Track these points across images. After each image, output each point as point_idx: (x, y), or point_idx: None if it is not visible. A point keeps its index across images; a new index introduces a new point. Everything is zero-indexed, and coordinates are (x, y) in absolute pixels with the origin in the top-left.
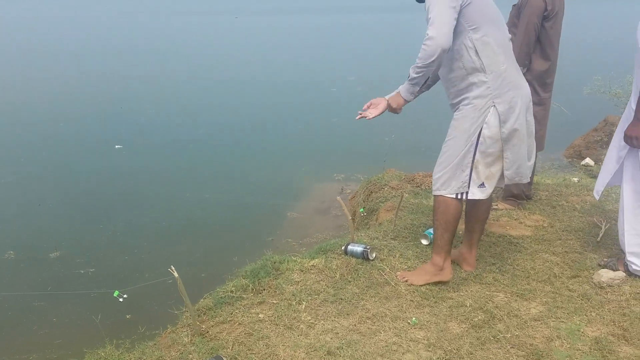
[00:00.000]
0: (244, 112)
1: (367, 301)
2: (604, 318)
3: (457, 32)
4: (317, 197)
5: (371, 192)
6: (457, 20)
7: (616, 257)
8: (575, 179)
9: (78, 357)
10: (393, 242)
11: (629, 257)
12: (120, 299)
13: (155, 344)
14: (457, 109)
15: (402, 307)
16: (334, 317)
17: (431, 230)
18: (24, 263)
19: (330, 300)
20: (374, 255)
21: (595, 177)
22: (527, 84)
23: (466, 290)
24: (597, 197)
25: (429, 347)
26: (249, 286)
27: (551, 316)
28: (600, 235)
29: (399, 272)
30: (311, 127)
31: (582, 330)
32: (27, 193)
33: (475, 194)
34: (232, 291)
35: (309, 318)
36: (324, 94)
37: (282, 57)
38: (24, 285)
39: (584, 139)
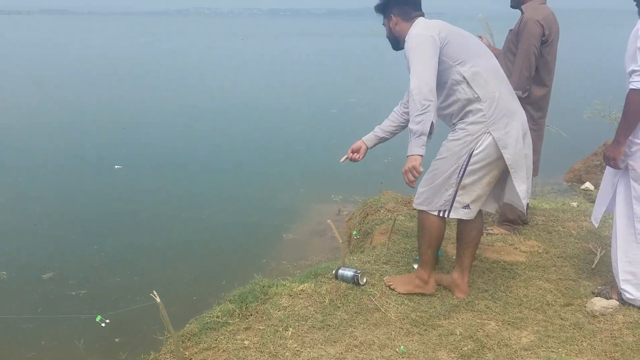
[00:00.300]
0: (244, 133)
1: (356, 328)
2: (595, 348)
3: (444, 70)
4: (314, 218)
5: (367, 214)
6: (440, 59)
7: (610, 285)
8: (575, 204)
9: None
10: (385, 266)
11: (623, 285)
12: (103, 324)
13: None
14: (452, 130)
15: (390, 334)
16: (321, 345)
17: None
18: (16, 283)
19: (318, 326)
20: (364, 280)
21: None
22: (522, 108)
23: (457, 318)
24: (596, 225)
25: None
26: (235, 311)
27: (542, 346)
28: (595, 262)
29: (386, 277)
30: (310, 149)
31: None
32: (24, 212)
33: (459, 213)
34: (218, 316)
35: (295, 345)
36: (324, 116)
37: (284, 79)
38: (15, 306)
39: (583, 163)
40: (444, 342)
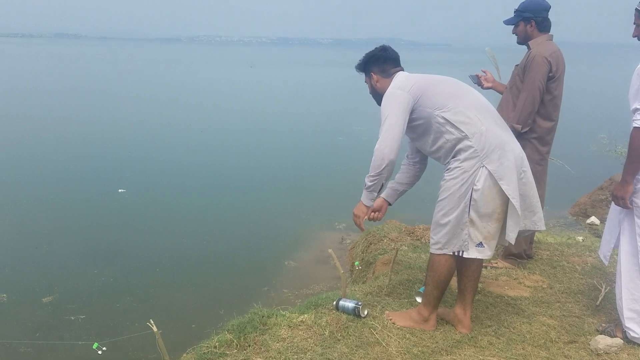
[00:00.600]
0: (248, 159)
1: None
2: None
3: (427, 118)
4: (316, 246)
5: (370, 244)
6: (421, 110)
7: (614, 322)
8: (580, 238)
9: None
10: (387, 298)
11: (627, 324)
12: (99, 352)
13: None
14: (447, 169)
15: None
16: None
17: None
18: (15, 306)
19: (317, 359)
20: (365, 312)
21: (600, 236)
22: (514, 139)
23: (459, 354)
24: (606, 263)
25: None
26: (233, 342)
27: None
28: (600, 299)
29: (386, 312)
30: (315, 175)
31: None
32: (25, 235)
33: (473, 253)
34: (215, 347)
35: None
36: (330, 143)
37: (290, 106)
38: (13, 330)
39: (589, 197)
40: None
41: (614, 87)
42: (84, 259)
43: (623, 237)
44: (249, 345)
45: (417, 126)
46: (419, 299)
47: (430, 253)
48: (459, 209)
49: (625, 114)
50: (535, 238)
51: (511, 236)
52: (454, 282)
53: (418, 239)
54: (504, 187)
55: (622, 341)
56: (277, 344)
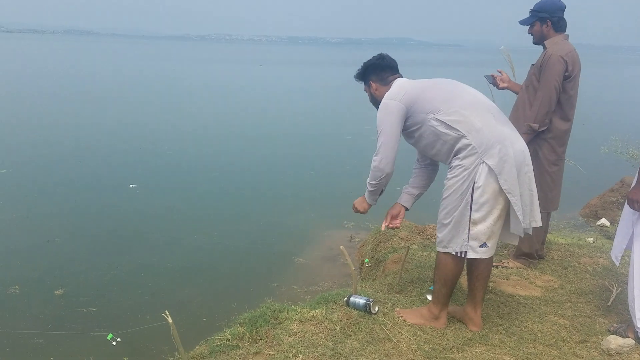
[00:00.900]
0: (258, 156)
1: (367, 358)
2: None
3: (422, 122)
4: (326, 244)
5: (380, 242)
6: (415, 116)
7: (626, 323)
8: (590, 240)
9: None
10: (397, 296)
11: (639, 324)
12: (114, 342)
13: None
14: (449, 168)
15: None
16: None
17: None
18: (28, 299)
19: (328, 354)
20: (376, 308)
21: (610, 238)
22: (516, 135)
23: (470, 352)
24: (617, 263)
25: None
26: (245, 335)
27: None
28: (611, 299)
29: (397, 309)
30: (324, 174)
31: None
32: (37, 229)
33: (477, 253)
34: (228, 339)
35: None
36: (338, 142)
37: (299, 105)
38: (25, 321)
39: (600, 198)
40: None
41: (626, 89)
42: (95, 253)
43: (637, 240)
44: (261, 339)
45: (414, 132)
46: (429, 297)
47: (437, 251)
48: (461, 207)
49: (638, 116)
50: (546, 238)
51: (518, 230)
52: (464, 280)
53: (428, 238)
54: (501, 182)
55: (633, 342)
56: (289, 338)
